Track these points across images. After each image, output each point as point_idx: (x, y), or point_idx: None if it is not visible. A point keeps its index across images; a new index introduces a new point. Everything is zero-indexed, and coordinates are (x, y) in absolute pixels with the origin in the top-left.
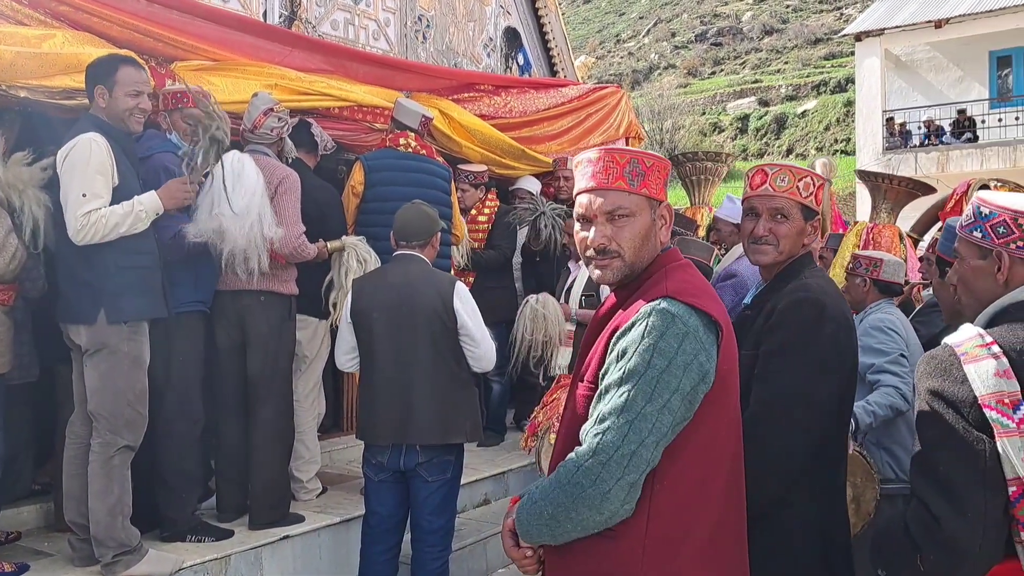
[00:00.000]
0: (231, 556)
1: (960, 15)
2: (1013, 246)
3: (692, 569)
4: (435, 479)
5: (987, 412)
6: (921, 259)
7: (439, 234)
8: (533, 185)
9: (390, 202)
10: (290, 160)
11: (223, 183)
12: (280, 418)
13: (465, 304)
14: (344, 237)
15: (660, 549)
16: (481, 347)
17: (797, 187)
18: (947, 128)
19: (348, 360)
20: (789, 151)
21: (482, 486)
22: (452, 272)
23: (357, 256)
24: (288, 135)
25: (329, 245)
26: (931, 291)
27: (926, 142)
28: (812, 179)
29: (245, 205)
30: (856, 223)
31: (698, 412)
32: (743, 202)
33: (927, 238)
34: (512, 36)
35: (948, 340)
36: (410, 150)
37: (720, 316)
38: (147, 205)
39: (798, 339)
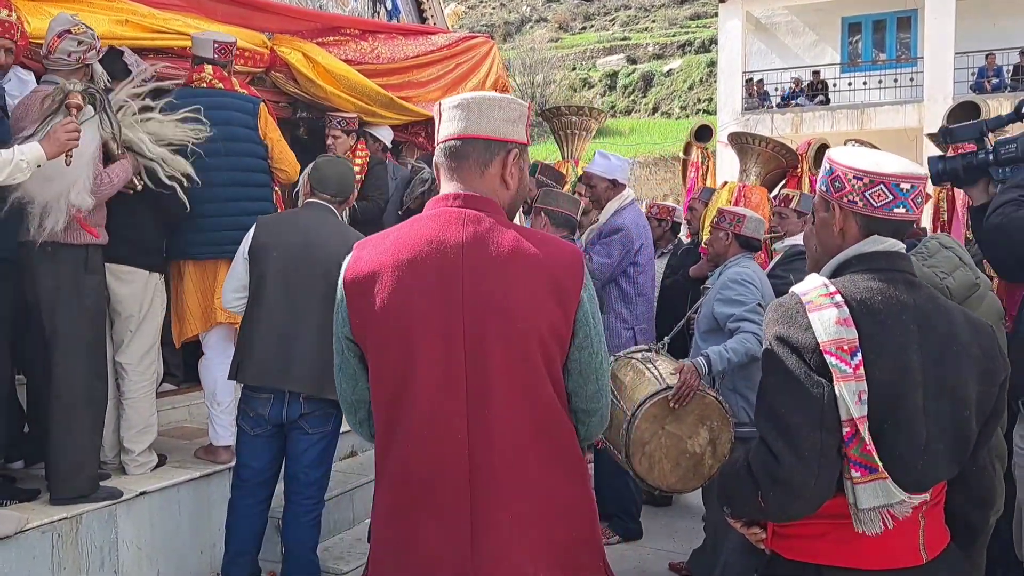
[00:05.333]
0: (83, 515)
1: None
2: (845, 200)
3: None
4: (316, 431)
5: (827, 358)
6: (774, 213)
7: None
8: (386, 134)
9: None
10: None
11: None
12: (81, 384)
13: None
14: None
15: None
16: None
17: None
18: (803, 90)
19: (235, 299)
20: (655, 109)
21: (349, 438)
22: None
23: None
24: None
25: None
26: (781, 244)
27: (783, 103)
28: None
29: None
30: (726, 183)
31: None
32: None
33: (774, 192)
34: None
35: (795, 289)
36: (204, 84)
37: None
38: (29, 156)
39: None
